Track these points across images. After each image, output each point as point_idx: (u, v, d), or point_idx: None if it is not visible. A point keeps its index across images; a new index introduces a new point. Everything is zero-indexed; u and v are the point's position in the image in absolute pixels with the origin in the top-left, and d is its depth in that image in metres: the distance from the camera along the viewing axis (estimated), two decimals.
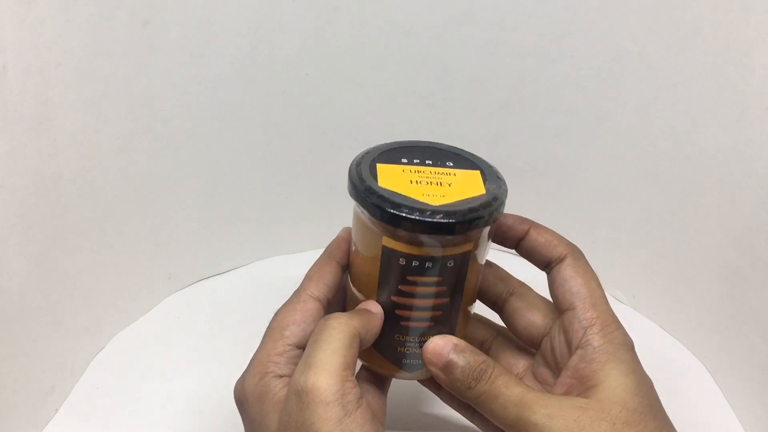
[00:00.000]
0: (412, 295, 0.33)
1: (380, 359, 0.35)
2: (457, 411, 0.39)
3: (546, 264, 0.35)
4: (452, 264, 0.32)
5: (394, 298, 0.33)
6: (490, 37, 0.51)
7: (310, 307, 0.34)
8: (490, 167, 0.34)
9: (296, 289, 0.35)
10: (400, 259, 0.31)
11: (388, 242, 0.31)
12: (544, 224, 0.36)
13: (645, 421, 0.30)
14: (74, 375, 0.47)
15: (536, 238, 0.35)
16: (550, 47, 0.50)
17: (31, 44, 0.38)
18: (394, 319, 0.34)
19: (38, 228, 0.41)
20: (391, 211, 0.29)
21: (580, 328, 0.32)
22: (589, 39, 0.49)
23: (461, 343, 0.33)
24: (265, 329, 0.34)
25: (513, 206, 0.58)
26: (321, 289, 0.35)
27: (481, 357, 0.32)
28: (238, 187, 0.54)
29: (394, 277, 0.32)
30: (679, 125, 0.47)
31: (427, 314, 0.33)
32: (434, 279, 0.32)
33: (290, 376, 0.31)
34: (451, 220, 0.29)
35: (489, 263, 0.37)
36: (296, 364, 0.31)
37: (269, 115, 0.52)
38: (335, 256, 0.36)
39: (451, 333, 0.34)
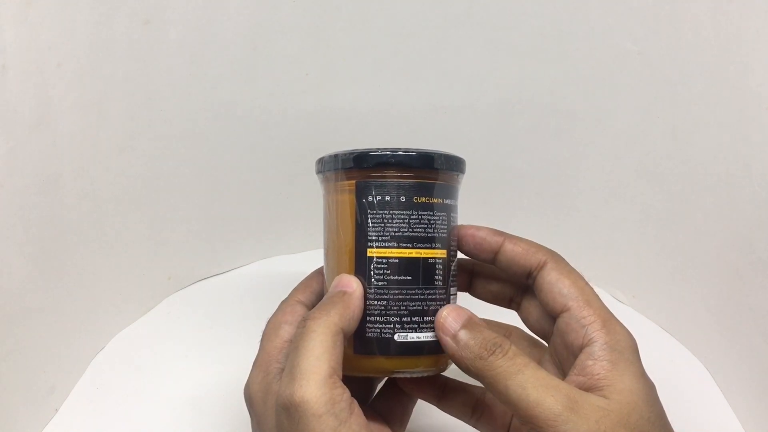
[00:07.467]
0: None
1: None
2: (458, 418, 0.37)
3: (527, 274, 0.35)
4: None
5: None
6: (490, 37, 0.51)
7: (297, 309, 0.35)
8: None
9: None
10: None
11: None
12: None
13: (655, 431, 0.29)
14: (74, 375, 0.47)
15: (512, 248, 0.34)
16: (550, 47, 0.50)
17: (31, 44, 0.38)
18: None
19: (38, 228, 0.41)
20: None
21: (580, 327, 0.32)
22: (589, 39, 0.49)
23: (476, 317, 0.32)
24: (264, 329, 0.35)
25: (513, 206, 0.58)
26: (307, 296, 0.35)
27: (497, 334, 0.31)
28: (238, 187, 0.54)
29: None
30: (679, 125, 0.47)
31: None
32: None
33: None
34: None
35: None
36: None
37: (269, 115, 0.52)
38: (321, 273, 0.36)
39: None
